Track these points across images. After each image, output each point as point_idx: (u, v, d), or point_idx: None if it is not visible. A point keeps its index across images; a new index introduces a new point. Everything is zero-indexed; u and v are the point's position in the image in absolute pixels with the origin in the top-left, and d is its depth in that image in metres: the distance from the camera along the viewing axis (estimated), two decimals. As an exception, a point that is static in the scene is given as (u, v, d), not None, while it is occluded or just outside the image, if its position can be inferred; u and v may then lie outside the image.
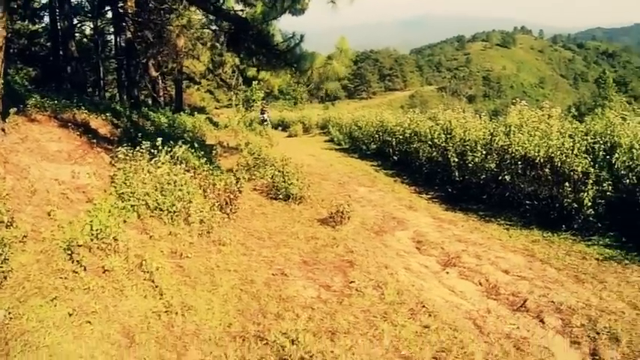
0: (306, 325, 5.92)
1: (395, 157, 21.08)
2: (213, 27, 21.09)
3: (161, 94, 31.50)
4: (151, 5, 18.90)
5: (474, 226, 11.58)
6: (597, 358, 5.87)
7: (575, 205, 10.77)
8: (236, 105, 41.76)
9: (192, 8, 17.88)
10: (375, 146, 24.32)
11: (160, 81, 30.97)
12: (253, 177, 13.82)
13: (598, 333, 6.33)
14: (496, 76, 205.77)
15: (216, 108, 67.20)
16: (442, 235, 10.62)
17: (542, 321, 6.72)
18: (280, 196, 12.48)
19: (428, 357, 5.57)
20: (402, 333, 6.03)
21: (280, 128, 44.08)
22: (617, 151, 10.78)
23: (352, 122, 29.33)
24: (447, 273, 8.50)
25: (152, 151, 9.66)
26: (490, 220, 11.96)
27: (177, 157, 9.84)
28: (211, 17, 17.97)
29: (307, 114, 46.43)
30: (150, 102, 29.52)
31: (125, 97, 23.64)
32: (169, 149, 9.75)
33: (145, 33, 20.61)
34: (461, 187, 14.87)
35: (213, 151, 16.56)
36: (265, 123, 39.78)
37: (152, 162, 9.24)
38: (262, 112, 41.14)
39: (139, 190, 8.34)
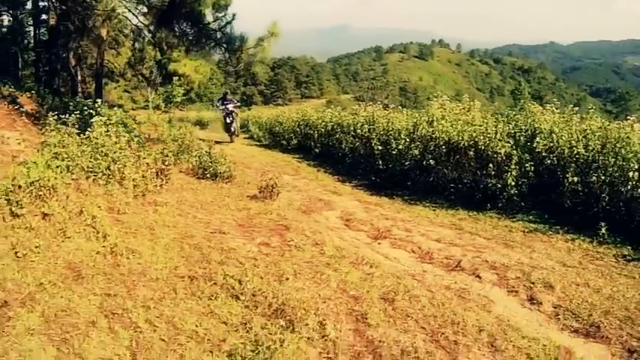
0: (252, 271, 5.95)
1: (317, 150, 21.23)
2: (135, 21, 20.90)
3: (80, 88, 30.83)
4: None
5: (401, 207, 11.75)
6: (535, 301, 6.16)
7: (499, 186, 11.15)
8: (154, 106, 40.05)
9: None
10: (296, 141, 24.55)
11: (80, 75, 30.36)
12: (178, 161, 13.71)
13: (533, 283, 6.63)
14: (413, 87, 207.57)
15: (132, 109, 66.19)
16: (370, 215, 10.71)
17: (478, 277, 6.93)
18: (208, 175, 12.42)
19: (376, 297, 5.67)
20: (347, 278, 6.14)
21: (198, 127, 42.79)
22: (539, 135, 11.21)
23: (273, 118, 29.47)
24: (379, 244, 8.58)
25: (86, 117, 9.59)
26: (415, 204, 12.13)
27: (113, 122, 9.75)
28: (136, 6, 17.81)
29: (226, 113, 46.21)
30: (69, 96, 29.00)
31: (43, 90, 23.10)
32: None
33: (71, 20, 20.25)
34: (385, 175, 14.99)
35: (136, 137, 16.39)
36: (229, 121, 26.57)
37: (88, 128, 9.15)
38: (224, 101, 26.97)
39: (74, 150, 8.24)
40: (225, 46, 14.12)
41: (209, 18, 14.14)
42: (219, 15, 13.99)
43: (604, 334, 5.38)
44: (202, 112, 56.83)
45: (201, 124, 42.85)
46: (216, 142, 18.73)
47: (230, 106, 27.01)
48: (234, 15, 13.94)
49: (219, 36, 13.92)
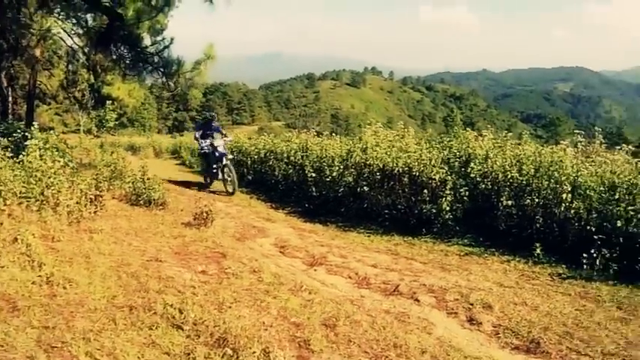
0: (192, 299, 5.90)
1: (250, 177, 21.14)
2: (70, 42, 20.64)
3: (11, 110, 30.07)
4: (9, 15, 18.27)
5: (335, 234, 11.87)
6: (474, 322, 6.38)
7: (434, 211, 11.43)
8: (86, 130, 39.07)
9: (54, 16, 17.49)
10: (228, 168, 24.20)
11: (11, 96, 29.63)
12: (111, 187, 13.51)
13: (472, 304, 6.86)
14: (344, 114, 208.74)
15: (63, 133, 64.83)
16: (304, 242, 10.77)
17: (417, 300, 7.12)
18: (142, 202, 12.28)
19: (317, 323, 5.70)
20: (287, 304, 6.15)
21: (130, 152, 41.78)
22: (473, 161, 11.48)
23: (205, 145, 29.32)
24: (315, 270, 8.63)
25: (18, 140, 9.46)
26: (350, 230, 12.29)
27: (48, 146, 9.62)
28: (73, 27, 17.61)
29: (158, 139, 45.84)
30: (-2, 118, 28.25)
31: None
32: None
33: (5, 38, 19.91)
34: (318, 202, 15.13)
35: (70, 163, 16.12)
36: (216, 166, 17.81)
37: (21, 151, 9.02)
38: (207, 129, 18.57)
39: (7, 175, 8.11)
40: (162, 70, 14.06)
41: (147, 41, 14.07)
42: (157, 39, 13.95)
43: (544, 349, 5.62)
44: (134, 138, 56.21)
45: (132, 149, 42.19)
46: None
47: (219, 143, 17.73)
48: (172, 39, 13.93)
49: (156, 60, 13.85)
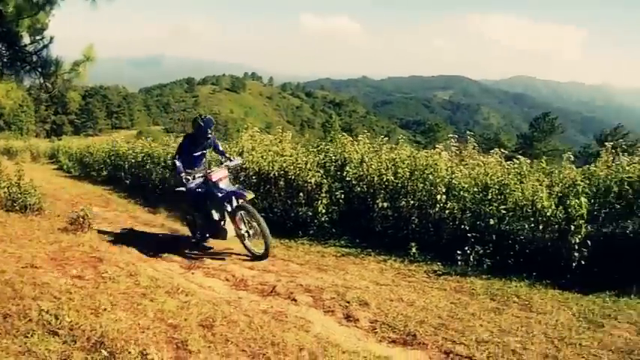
0: (68, 304, 5.92)
1: (128, 181, 21.03)
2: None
3: None
4: None
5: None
6: (351, 319, 6.64)
7: (310, 214, 11.69)
8: None
9: None
10: (106, 172, 24.26)
11: None
12: (-17, 192, 13.20)
13: (348, 302, 7.12)
14: (223, 119, 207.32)
15: None
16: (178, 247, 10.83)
17: (294, 300, 7.31)
18: (17, 208, 12.08)
19: (194, 324, 5.83)
20: (164, 307, 6.24)
21: (6, 157, 40.24)
22: (348, 165, 11.79)
23: (83, 149, 28.83)
24: (193, 274, 8.71)
25: None
26: (225, 234, 12.31)
27: None
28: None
29: (35, 143, 44.59)
30: None
31: None
32: None
33: None
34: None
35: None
36: (218, 217, 9.90)
37: None
38: (195, 151, 10.94)
39: None
40: (40, 70, 13.70)
41: (26, 40, 13.70)
42: (37, 38, 13.59)
43: (420, 340, 5.95)
44: (11, 141, 54.46)
45: (9, 153, 40.81)
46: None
47: (220, 175, 10.05)
48: (51, 38, 13.51)
49: (34, 59, 13.50)
